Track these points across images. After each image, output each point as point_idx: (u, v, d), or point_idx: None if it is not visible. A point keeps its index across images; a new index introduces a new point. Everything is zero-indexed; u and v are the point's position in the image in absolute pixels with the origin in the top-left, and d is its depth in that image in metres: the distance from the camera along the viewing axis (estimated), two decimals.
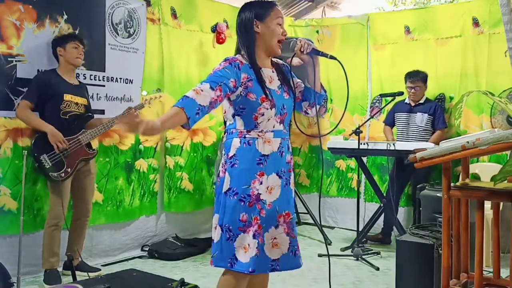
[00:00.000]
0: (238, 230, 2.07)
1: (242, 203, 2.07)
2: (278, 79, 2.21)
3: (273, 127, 2.14)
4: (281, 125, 2.18)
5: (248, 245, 2.05)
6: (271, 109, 2.11)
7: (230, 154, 2.12)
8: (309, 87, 2.26)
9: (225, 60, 2.11)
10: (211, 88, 1.97)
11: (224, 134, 4.25)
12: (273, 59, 2.28)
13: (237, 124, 2.14)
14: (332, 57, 2.24)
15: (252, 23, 2.14)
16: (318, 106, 2.30)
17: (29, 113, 3.37)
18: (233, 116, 2.15)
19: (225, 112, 2.21)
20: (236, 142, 2.12)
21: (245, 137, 2.11)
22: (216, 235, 2.11)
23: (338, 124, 2.45)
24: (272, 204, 2.12)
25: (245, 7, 2.21)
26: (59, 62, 3.52)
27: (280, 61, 2.34)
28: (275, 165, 2.14)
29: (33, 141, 3.40)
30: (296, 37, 2.19)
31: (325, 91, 2.32)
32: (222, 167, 2.15)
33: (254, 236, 2.05)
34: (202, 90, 1.96)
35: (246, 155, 2.10)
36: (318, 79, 2.25)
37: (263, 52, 2.18)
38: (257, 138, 2.11)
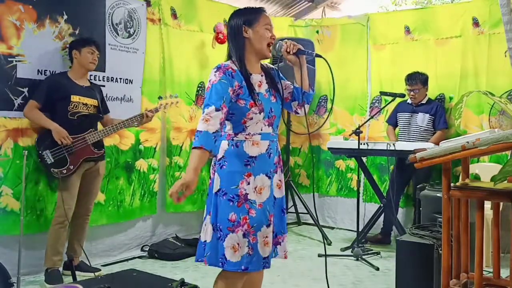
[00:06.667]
0: (227, 230, 2.12)
1: (231, 203, 2.13)
2: (267, 83, 2.27)
3: (261, 130, 2.20)
4: (270, 127, 2.23)
5: (238, 244, 2.10)
6: (260, 113, 2.17)
7: (219, 156, 2.19)
8: (298, 87, 2.31)
9: (218, 68, 2.16)
10: (217, 109, 2.06)
11: None
12: (263, 63, 2.33)
13: (225, 128, 2.20)
14: (317, 55, 2.33)
15: (241, 29, 2.21)
16: (307, 106, 2.38)
17: (36, 112, 3.42)
18: None
19: None
20: (224, 145, 2.19)
21: (233, 139, 2.18)
22: (208, 235, 2.16)
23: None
24: (263, 204, 2.17)
25: (234, 14, 2.28)
26: (73, 64, 3.56)
27: (270, 65, 2.40)
28: (263, 166, 2.19)
29: (37, 138, 3.46)
30: (282, 38, 2.23)
31: (313, 90, 2.37)
32: (212, 168, 2.22)
33: (244, 235, 2.11)
34: (210, 117, 2.04)
35: (234, 156, 2.17)
36: (305, 79, 2.31)
37: (253, 57, 2.23)
38: (245, 140, 2.17)
